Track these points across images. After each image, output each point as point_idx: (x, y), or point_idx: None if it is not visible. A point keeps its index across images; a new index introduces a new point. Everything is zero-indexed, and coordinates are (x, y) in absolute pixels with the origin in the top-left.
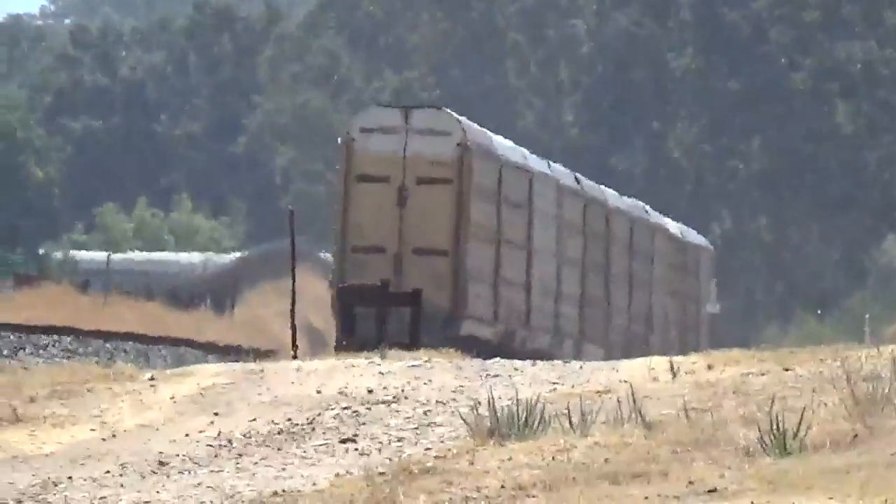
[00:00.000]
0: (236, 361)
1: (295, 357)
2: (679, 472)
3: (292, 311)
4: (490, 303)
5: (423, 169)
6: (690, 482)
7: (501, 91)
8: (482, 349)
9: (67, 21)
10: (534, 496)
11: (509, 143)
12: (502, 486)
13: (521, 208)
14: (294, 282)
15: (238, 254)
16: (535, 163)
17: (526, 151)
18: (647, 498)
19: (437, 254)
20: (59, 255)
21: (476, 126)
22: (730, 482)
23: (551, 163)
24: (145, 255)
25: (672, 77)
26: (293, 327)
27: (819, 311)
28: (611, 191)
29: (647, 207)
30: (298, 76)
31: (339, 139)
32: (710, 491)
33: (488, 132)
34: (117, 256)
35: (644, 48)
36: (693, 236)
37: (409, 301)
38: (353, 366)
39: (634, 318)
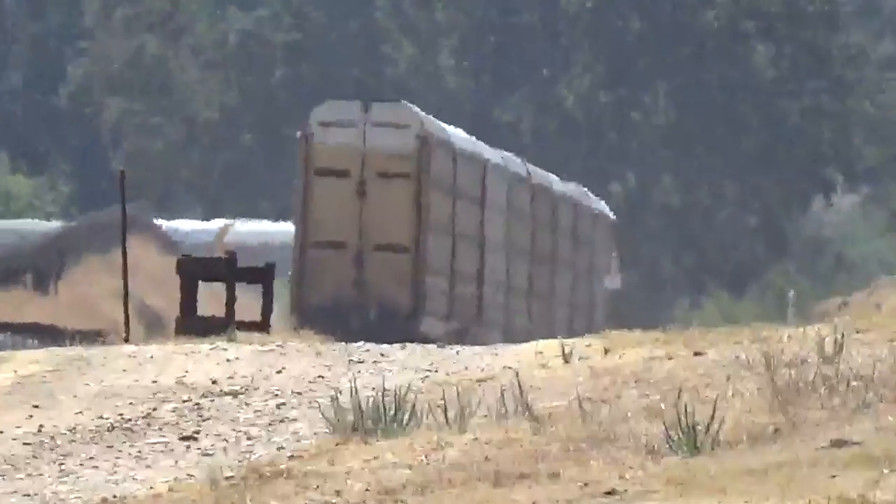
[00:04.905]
0: (60, 346)
1: (127, 341)
2: (572, 472)
3: (125, 288)
4: (446, 299)
5: (383, 163)
6: (585, 484)
7: (368, 34)
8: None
9: None
10: (403, 501)
11: (463, 133)
12: (367, 490)
13: (475, 200)
14: (125, 254)
15: (62, 222)
16: (488, 153)
17: (478, 141)
18: (534, 502)
19: (398, 250)
20: None
21: (433, 119)
22: (631, 484)
23: (503, 152)
24: None
25: (564, 16)
26: (125, 307)
27: (735, 286)
28: (554, 176)
29: (587, 191)
30: (132, 19)
31: (297, 132)
32: (607, 493)
33: (443, 124)
34: None
35: None
36: (597, 203)
37: (260, 277)
38: (196, 352)
39: (577, 308)
